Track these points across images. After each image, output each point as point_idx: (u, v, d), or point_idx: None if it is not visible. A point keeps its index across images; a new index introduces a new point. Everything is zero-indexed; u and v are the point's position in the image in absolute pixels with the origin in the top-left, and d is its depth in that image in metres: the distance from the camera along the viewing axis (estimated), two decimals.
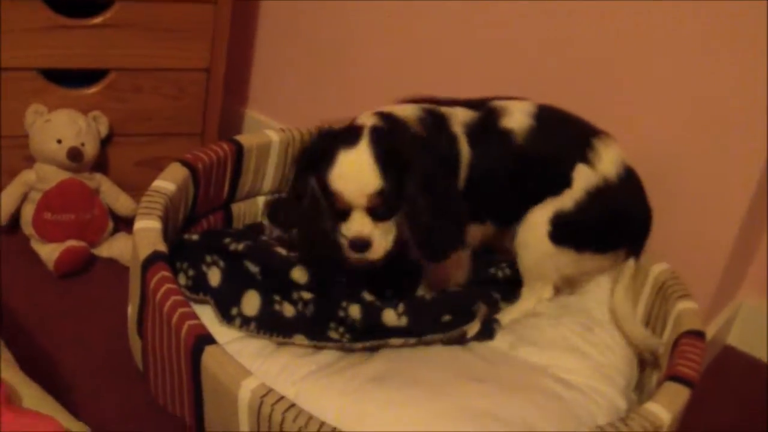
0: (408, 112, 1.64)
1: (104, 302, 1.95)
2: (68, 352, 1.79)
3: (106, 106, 2.15)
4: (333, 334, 1.60)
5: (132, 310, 1.63)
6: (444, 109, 1.68)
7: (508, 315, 1.74)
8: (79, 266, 2.03)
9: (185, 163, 1.79)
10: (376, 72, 2.33)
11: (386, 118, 1.61)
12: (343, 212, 1.56)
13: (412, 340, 1.61)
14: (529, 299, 1.76)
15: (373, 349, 1.61)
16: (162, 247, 1.57)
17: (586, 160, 1.69)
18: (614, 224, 1.72)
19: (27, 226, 2.06)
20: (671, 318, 1.66)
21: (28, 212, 2.05)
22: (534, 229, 1.69)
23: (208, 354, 1.38)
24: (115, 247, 2.10)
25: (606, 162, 1.70)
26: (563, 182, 1.69)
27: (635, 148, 1.90)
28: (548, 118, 1.72)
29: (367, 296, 1.65)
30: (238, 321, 1.61)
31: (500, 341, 1.67)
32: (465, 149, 1.66)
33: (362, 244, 1.56)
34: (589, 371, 1.60)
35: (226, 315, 1.61)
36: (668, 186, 1.89)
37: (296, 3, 2.44)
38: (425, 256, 1.62)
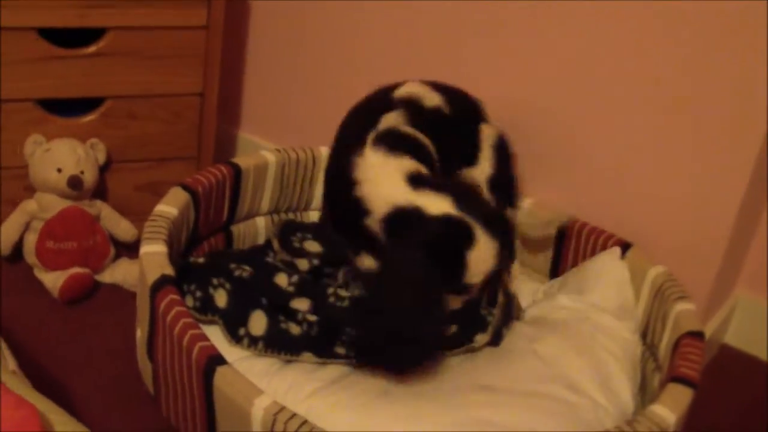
0: (407, 162, 1.65)
1: (110, 327, 1.96)
2: (77, 378, 1.81)
3: (103, 133, 2.17)
4: (339, 350, 1.62)
5: (141, 334, 1.65)
6: (385, 123, 1.71)
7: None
8: (83, 293, 2.05)
9: (186, 187, 1.82)
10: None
11: (452, 190, 1.60)
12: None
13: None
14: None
15: None
16: (169, 271, 1.59)
17: (485, 119, 1.84)
18: (515, 167, 1.86)
19: (30, 255, 2.08)
20: (670, 320, 1.68)
21: (30, 241, 2.07)
22: None
23: (220, 374, 1.40)
24: (117, 273, 2.12)
25: (491, 117, 1.84)
26: (476, 143, 1.80)
27: (626, 150, 1.94)
28: (443, 88, 1.82)
29: None
30: (246, 341, 1.63)
31: (507, 347, 1.70)
32: (424, 137, 1.72)
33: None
34: (597, 376, 1.62)
35: (234, 335, 1.64)
36: (660, 188, 1.93)
37: (286, 27, 2.46)
38: None
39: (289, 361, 1.61)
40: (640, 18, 1.87)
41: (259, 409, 1.34)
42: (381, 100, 1.77)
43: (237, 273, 1.73)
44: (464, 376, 1.60)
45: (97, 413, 1.73)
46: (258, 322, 1.64)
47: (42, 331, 1.93)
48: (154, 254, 1.63)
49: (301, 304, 1.68)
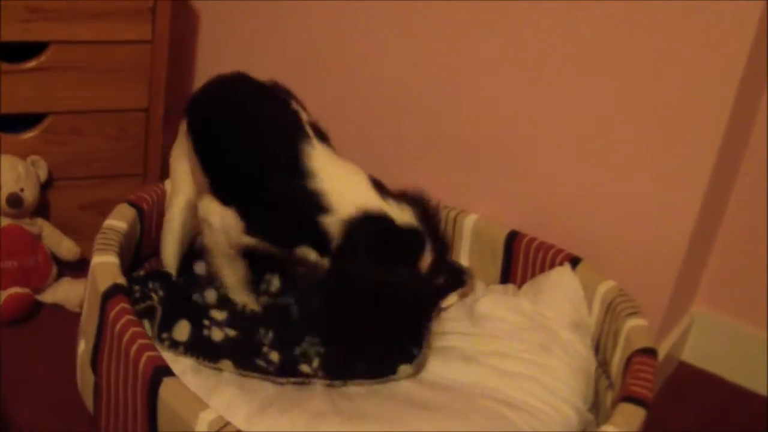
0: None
1: (51, 348, 1.92)
2: (18, 401, 1.77)
3: (45, 150, 2.13)
4: (260, 363, 1.60)
5: (85, 346, 1.62)
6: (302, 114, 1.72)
7: None
8: (23, 313, 2.00)
9: (132, 204, 1.81)
10: (315, 106, 2.32)
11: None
12: None
13: (337, 383, 1.61)
14: None
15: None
16: (121, 280, 1.58)
17: None
18: None
19: None
20: (621, 336, 1.65)
21: None
22: None
23: (166, 386, 1.38)
24: (59, 293, 2.07)
25: None
26: None
27: (578, 163, 1.92)
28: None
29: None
30: (167, 343, 1.61)
31: (443, 368, 1.66)
32: None
33: None
34: (539, 393, 1.59)
35: (158, 337, 1.62)
36: (614, 202, 1.91)
37: (235, 42, 2.43)
38: None
39: (209, 368, 1.59)
40: (590, 24, 1.85)
41: (203, 423, 1.31)
42: (255, 84, 1.78)
43: (171, 281, 1.75)
44: (399, 398, 1.56)
45: None
46: (182, 330, 1.63)
47: None
48: (106, 264, 1.62)
49: (220, 315, 1.70)
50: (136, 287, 1.69)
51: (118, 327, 1.47)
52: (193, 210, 1.79)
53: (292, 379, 1.59)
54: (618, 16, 1.80)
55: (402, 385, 1.60)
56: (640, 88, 1.82)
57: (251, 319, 1.71)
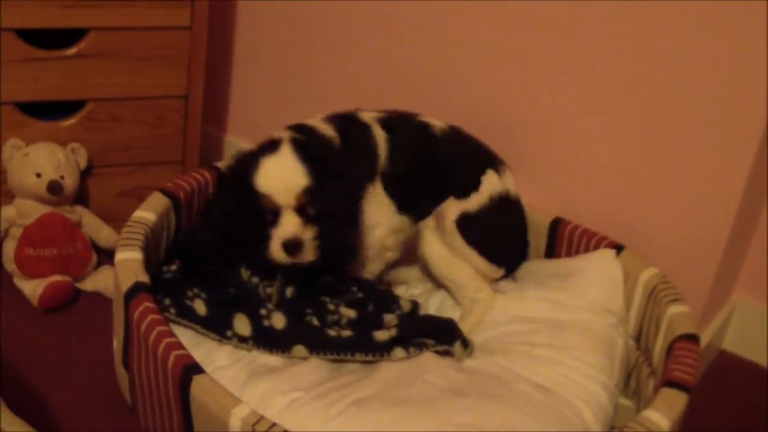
0: (317, 120, 1.74)
1: (90, 336, 1.92)
2: (56, 387, 1.77)
3: (84, 137, 2.13)
4: (331, 333, 1.61)
5: (117, 344, 1.61)
6: (354, 111, 1.78)
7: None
8: (63, 301, 2.00)
9: (166, 192, 1.79)
10: (353, 94, 2.31)
11: (299, 129, 1.69)
12: (273, 215, 1.61)
13: (411, 349, 1.61)
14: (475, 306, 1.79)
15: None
16: (144, 278, 1.55)
17: (496, 169, 1.80)
18: (505, 237, 1.84)
19: (9, 262, 2.03)
20: (664, 323, 1.63)
21: (9, 248, 2.02)
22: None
23: (197, 383, 1.37)
24: (99, 280, 2.07)
25: (508, 180, 1.81)
26: (472, 184, 1.78)
27: (621, 150, 1.90)
28: (460, 130, 1.83)
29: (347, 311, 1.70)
30: (234, 340, 1.59)
31: (473, 357, 1.66)
32: (380, 133, 1.75)
33: (294, 245, 1.61)
34: (564, 373, 1.59)
35: (222, 335, 1.60)
36: (658, 189, 1.89)
37: (272, 28, 2.42)
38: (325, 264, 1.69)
39: (285, 357, 1.59)
40: (634, 16, 1.83)
41: (236, 419, 1.30)
42: None
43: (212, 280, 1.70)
44: (435, 385, 1.55)
45: (76, 424, 1.69)
46: (242, 324, 1.60)
47: (22, 340, 1.89)
48: (129, 261, 1.59)
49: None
50: (172, 309, 1.63)
51: (143, 327, 1.46)
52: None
53: (368, 357, 1.60)
54: (672, 16, 1.79)
55: (437, 374, 1.58)
56: (683, 80, 1.80)
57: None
